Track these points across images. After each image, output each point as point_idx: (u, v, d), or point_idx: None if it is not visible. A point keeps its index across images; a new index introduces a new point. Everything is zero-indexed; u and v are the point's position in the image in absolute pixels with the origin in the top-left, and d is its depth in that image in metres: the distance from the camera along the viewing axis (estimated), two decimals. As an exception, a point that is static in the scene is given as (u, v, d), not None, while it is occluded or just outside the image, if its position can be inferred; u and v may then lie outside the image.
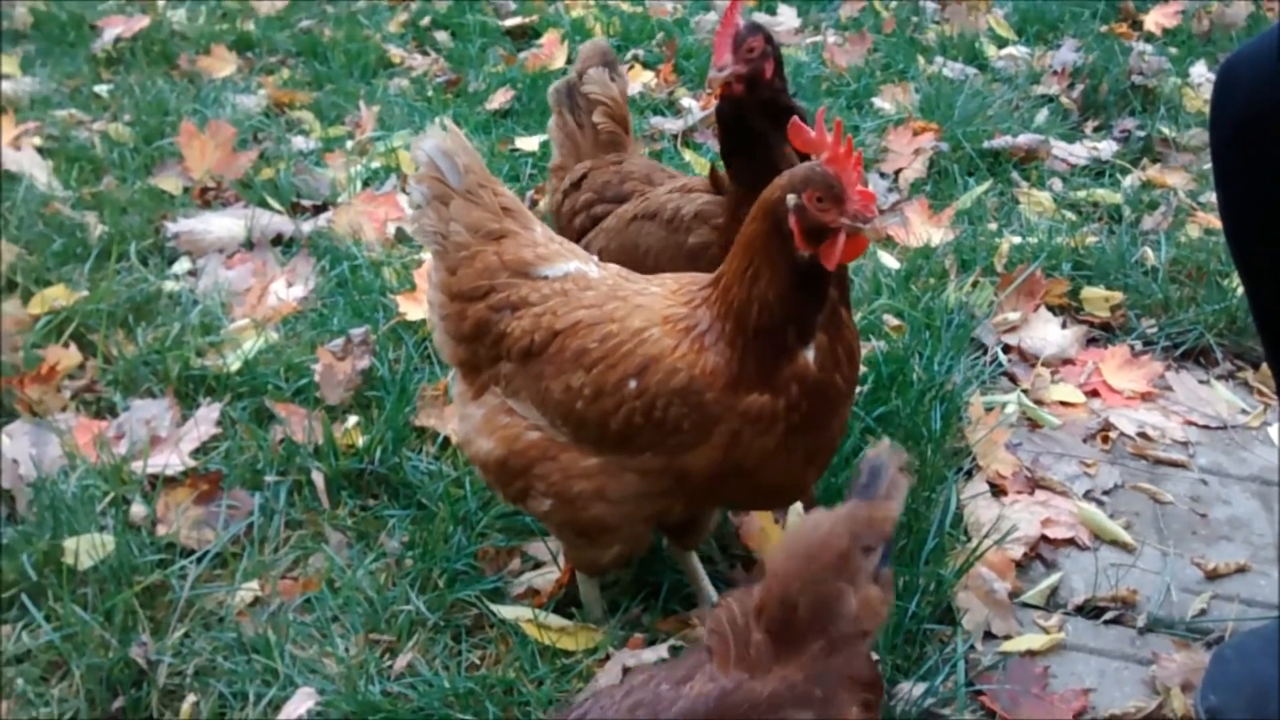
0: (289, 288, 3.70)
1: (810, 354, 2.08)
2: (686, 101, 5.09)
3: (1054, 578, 2.67)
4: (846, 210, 1.98)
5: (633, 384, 2.12)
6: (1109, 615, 2.58)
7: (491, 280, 2.29)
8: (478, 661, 2.42)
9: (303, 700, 2.27)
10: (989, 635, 2.51)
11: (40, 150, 4.60)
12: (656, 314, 2.17)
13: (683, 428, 2.11)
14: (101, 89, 5.31)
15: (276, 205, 4.21)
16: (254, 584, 2.59)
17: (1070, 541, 2.78)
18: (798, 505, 2.66)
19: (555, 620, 2.46)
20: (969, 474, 2.97)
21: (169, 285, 3.74)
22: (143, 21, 5.91)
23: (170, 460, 2.89)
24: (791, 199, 2.01)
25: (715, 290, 2.14)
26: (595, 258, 2.38)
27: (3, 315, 3.48)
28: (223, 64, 5.59)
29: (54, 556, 2.56)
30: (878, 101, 5.10)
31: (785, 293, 2.05)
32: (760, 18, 6.14)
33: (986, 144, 4.65)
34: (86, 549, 2.57)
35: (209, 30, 6.00)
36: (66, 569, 2.53)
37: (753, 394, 2.08)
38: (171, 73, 5.52)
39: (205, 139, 4.47)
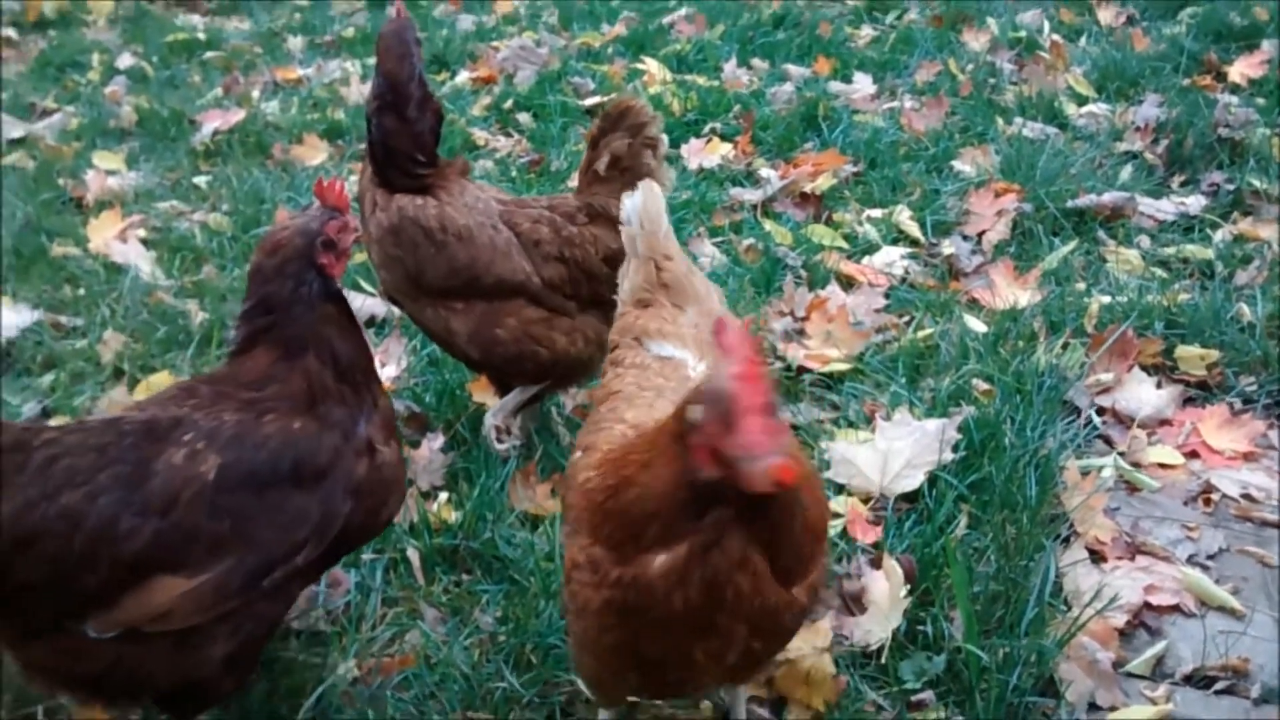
0: (383, 368, 3.77)
1: (660, 559, 1.81)
2: (765, 172, 5.13)
3: (1159, 646, 2.60)
4: (736, 441, 1.64)
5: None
6: (1220, 685, 2.50)
7: (619, 338, 2.47)
8: (573, 741, 2.42)
9: (402, 779, 2.29)
10: (1093, 707, 2.45)
11: (144, 242, 4.79)
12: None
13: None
14: (201, 180, 5.52)
15: (369, 288, 4.32)
16: (352, 662, 2.63)
17: (1175, 608, 2.70)
18: None
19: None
20: (1067, 541, 2.91)
21: (267, 369, 3.84)
22: (238, 115, 6.16)
23: (271, 540, 2.95)
24: (693, 412, 1.71)
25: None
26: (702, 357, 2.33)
27: (110, 403, 3.61)
28: (315, 152, 5.78)
29: (161, 637, 2.62)
30: (957, 164, 5.09)
31: (669, 491, 1.79)
32: (836, 86, 6.18)
33: (1070, 203, 4.60)
34: (192, 630, 2.62)
35: (301, 120, 6.22)
36: (173, 649, 2.59)
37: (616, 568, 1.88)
38: (266, 162, 5.72)
39: (300, 226, 4.60)
